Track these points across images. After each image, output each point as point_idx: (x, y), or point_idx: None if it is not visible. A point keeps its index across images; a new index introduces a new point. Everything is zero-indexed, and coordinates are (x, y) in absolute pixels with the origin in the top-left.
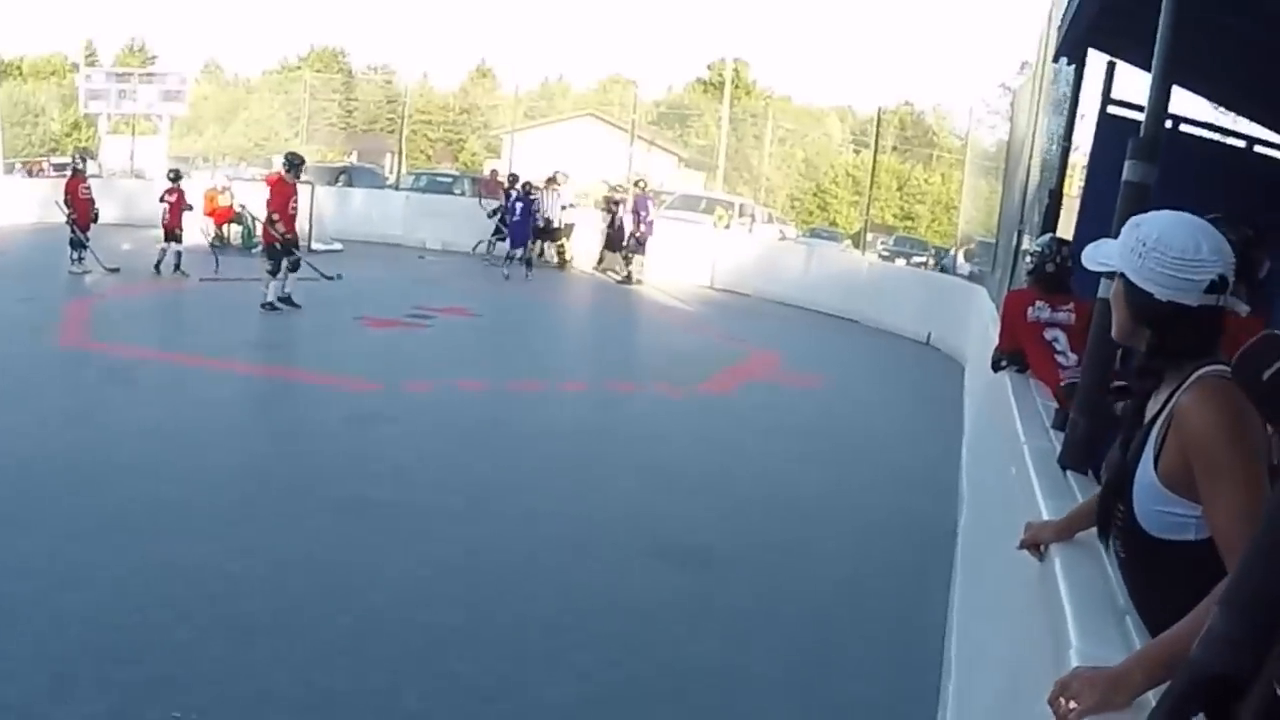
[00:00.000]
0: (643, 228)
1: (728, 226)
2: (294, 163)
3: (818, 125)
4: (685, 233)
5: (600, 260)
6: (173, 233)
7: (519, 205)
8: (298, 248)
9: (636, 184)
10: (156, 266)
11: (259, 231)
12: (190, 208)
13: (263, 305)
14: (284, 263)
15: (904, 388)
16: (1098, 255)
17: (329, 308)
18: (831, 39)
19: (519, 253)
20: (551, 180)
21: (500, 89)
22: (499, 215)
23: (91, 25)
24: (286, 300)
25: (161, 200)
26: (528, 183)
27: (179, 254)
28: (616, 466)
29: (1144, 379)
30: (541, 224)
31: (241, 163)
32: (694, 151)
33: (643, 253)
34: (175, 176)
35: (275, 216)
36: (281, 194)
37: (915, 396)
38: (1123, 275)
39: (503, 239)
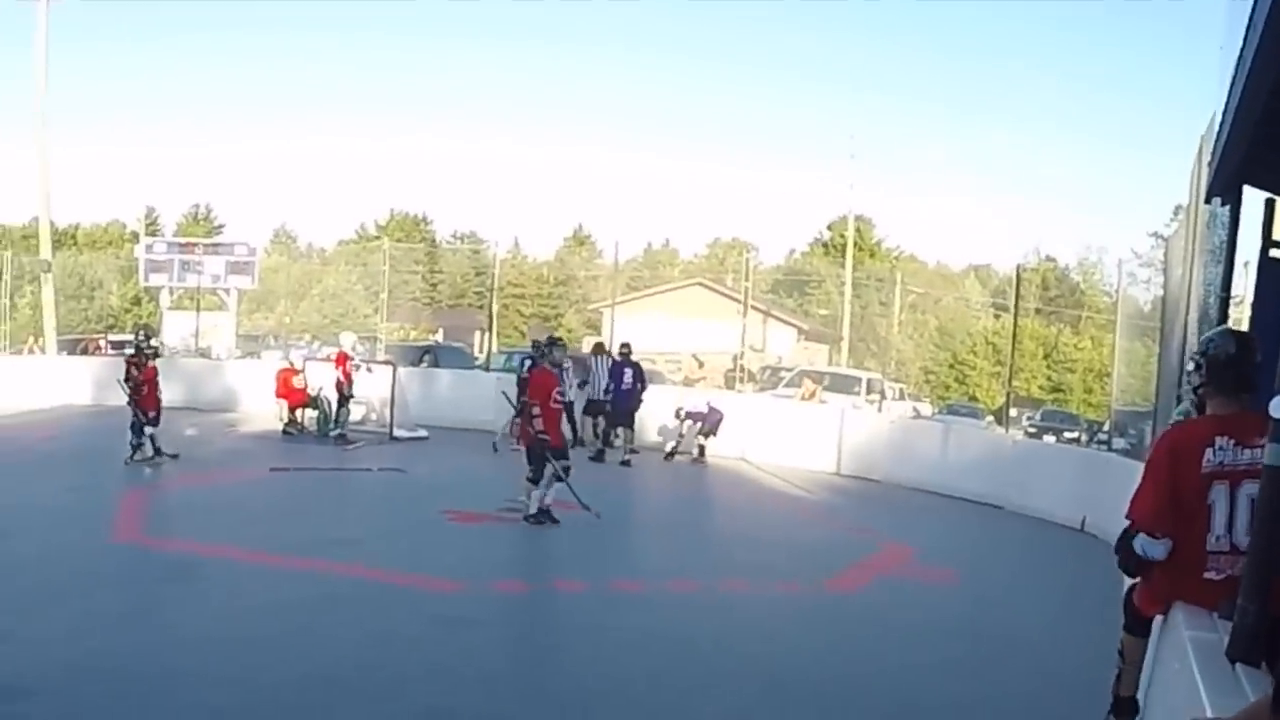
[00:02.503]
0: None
1: (817, 399)
2: (555, 341)
3: (952, 288)
4: (806, 413)
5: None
6: (149, 414)
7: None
8: (564, 451)
9: (622, 347)
10: (142, 453)
11: (335, 415)
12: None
13: (526, 518)
14: (547, 470)
15: (1056, 581)
16: None
17: (411, 502)
18: (963, 191)
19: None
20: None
21: (600, 257)
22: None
23: (152, 191)
24: (546, 513)
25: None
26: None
27: (153, 438)
28: (731, 676)
29: None
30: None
31: (316, 341)
32: (815, 322)
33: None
34: (154, 354)
35: (536, 410)
36: (544, 384)
37: (1069, 591)
38: None
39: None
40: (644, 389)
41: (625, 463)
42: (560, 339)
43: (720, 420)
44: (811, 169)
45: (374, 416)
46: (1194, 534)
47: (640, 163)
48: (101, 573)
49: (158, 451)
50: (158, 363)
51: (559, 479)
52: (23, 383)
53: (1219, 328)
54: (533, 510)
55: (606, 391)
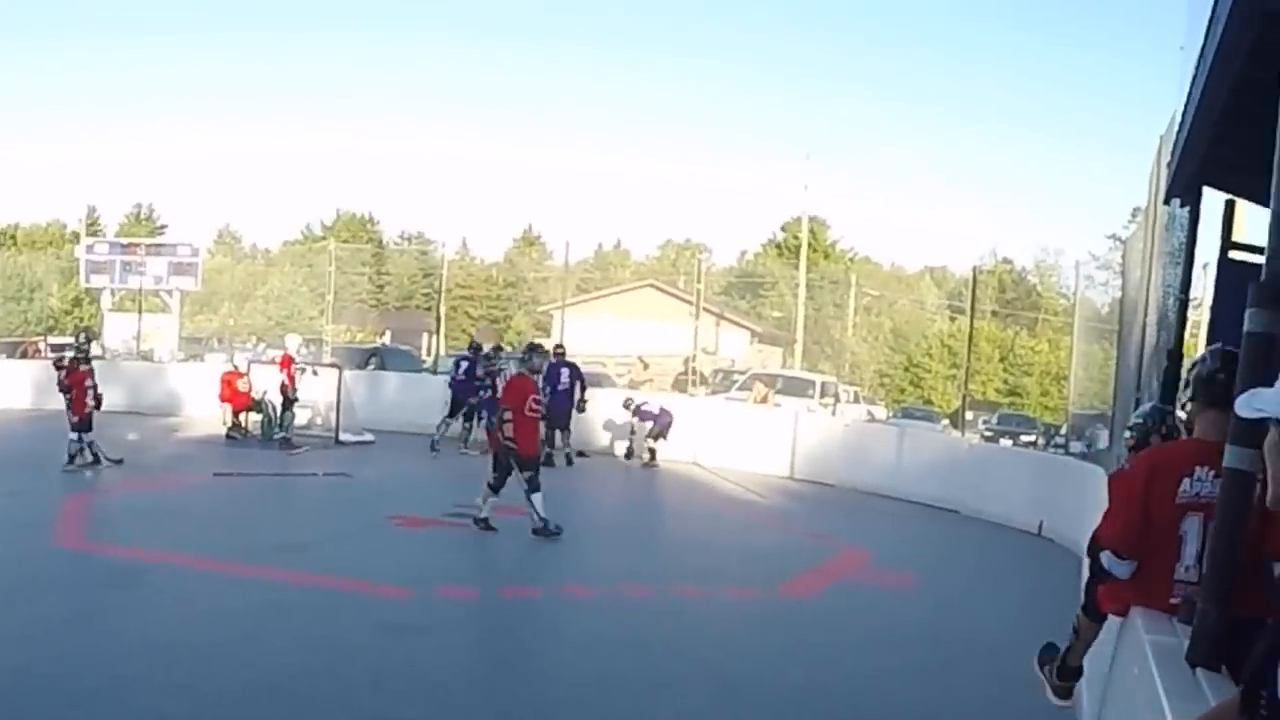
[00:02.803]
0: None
1: (770, 402)
2: (535, 348)
3: (907, 290)
4: (759, 416)
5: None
6: (85, 420)
7: (463, 364)
8: (537, 462)
9: (557, 348)
10: (73, 460)
11: (280, 419)
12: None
13: (476, 520)
14: (514, 478)
15: (1013, 586)
16: (1254, 402)
17: (357, 507)
18: (919, 192)
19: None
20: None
21: (550, 258)
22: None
23: (93, 191)
24: (545, 529)
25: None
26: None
27: (92, 444)
28: (686, 683)
29: None
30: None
31: (261, 344)
32: (769, 325)
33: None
34: (85, 354)
35: (507, 415)
36: (521, 389)
37: (1027, 596)
38: (1278, 424)
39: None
40: (584, 390)
41: (569, 463)
42: (539, 345)
43: (670, 423)
44: (766, 169)
45: (319, 420)
46: (1163, 561)
47: (591, 162)
48: (44, 579)
49: (96, 458)
50: (95, 365)
51: (533, 489)
52: None
53: (1211, 347)
54: (484, 514)
55: (542, 393)
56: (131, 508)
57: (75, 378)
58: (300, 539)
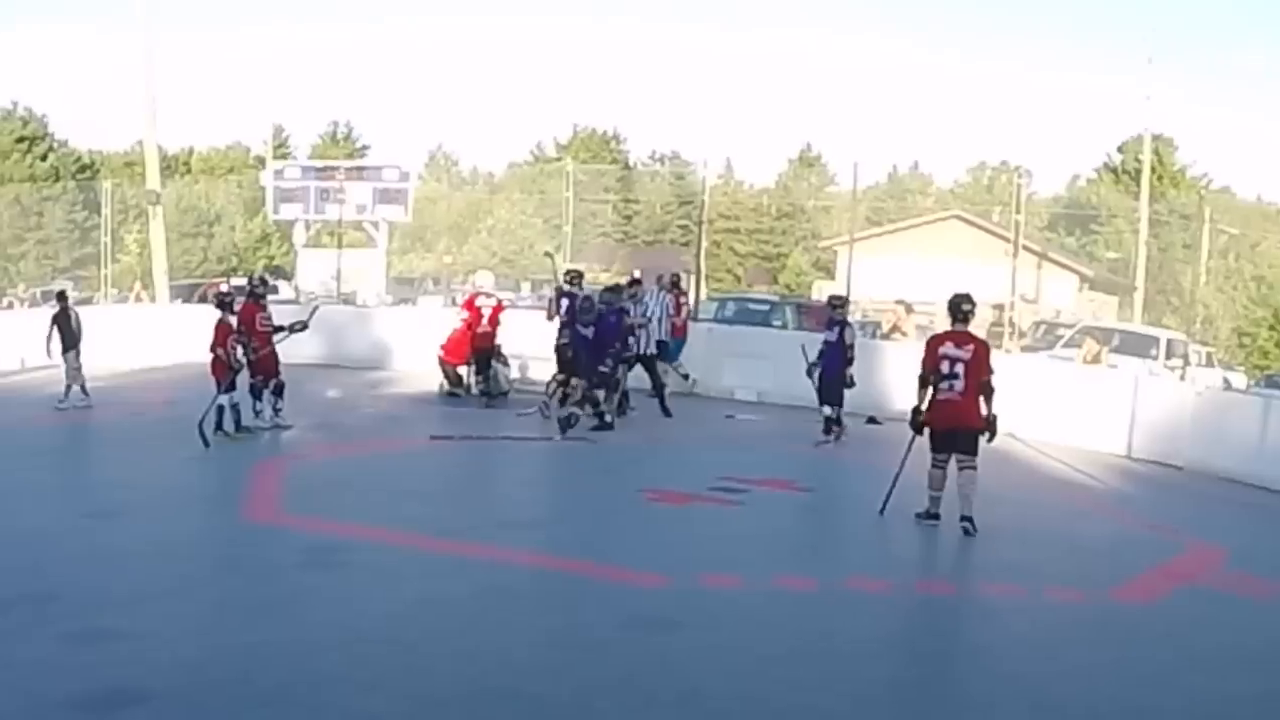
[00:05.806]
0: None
1: (1103, 362)
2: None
3: (1275, 228)
4: (1090, 380)
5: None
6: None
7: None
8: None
9: (832, 300)
10: (220, 427)
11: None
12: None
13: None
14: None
15: None
16: None
17: (604, 477)
18: None
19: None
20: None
21: (834, 184)
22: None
23: (281, 108)
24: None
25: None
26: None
27: (222, 409)
28: (994, 699)
29: None
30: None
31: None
32: (1102, 268)
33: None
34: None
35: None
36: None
37: None
38: None
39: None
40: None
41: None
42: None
43: None
44: (1098, 76)
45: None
46: None
47: (882, 69)
48: (232, 558)
49: (218, 425)
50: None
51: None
52: (131, 336)
53: None
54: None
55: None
56: (333, 476)
57: (245, 313)
58: (532, 514)
